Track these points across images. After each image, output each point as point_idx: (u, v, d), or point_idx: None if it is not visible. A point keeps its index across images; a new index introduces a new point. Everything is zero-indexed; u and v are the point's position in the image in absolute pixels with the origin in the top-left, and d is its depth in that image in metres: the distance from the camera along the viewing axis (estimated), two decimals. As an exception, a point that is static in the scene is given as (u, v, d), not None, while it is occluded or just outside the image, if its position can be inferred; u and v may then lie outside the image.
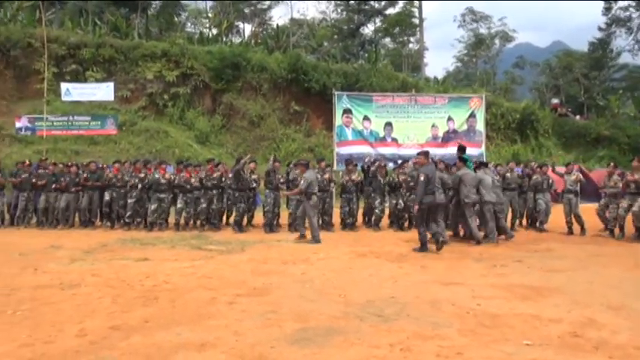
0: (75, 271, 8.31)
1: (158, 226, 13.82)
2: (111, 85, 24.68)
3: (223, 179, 14.18)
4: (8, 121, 24.51)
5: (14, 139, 24.05)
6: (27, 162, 15.26)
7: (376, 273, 8.21)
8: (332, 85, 27.16)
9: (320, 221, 13.97)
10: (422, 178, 10.38)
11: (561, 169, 14.53)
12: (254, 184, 14.22)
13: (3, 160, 18.40)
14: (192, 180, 13.93)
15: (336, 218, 14.30)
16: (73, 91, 24.04)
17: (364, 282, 7.54)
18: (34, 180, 14.47)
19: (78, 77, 26.94)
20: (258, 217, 14.76)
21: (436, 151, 19.26)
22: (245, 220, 14.15)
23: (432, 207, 10.58)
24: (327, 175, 14.14)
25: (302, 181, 11.97)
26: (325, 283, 7.46)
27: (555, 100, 41.27)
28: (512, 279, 7.81)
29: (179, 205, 13.90)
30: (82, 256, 9.71)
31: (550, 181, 14.31)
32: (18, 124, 23.44)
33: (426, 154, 11.09)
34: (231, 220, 14.57)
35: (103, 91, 24.44)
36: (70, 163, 15.48)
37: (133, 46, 29.04)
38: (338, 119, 19.84)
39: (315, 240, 11.55)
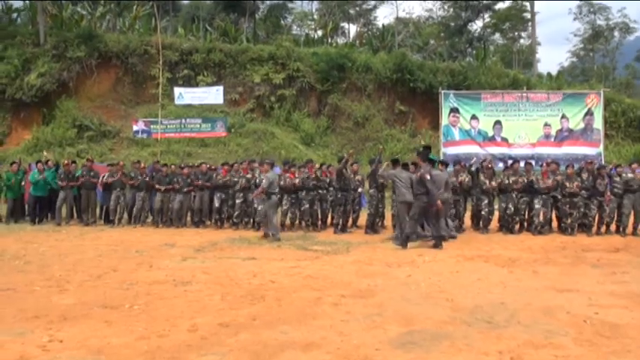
0: (187, 268, 8.69)
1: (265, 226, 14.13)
2: (220, 88, 25.64)
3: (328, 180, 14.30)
4: (126, 124, 26.08)
5: (131, 142, 25.54)
6: (142, 164, 16.03)
7: (485, 277, 8.00)
8: (438, 84, 26.71)
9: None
10: (428, 177, 11.05)
11: None
12: (357, 185, 14.20)
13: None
14: (296, 181, 14.12)
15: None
16: (185, 95, 25.20)
17: (472, 286, 7.37)
18: (152, 182, 15.21)
19: (190, 82, 28.13)
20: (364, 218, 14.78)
21: (549, 151, 18.52)
22: (350, 221, 14.23)
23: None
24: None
25: (264, 180, 12.23)
26: (431, 286, 7.35)
27: (683, 96, 38.36)
28: (634, 287, 7.35)
29: (284, 206, 14.13)
30: (193, 254, 10.12)
31: None
32: (135, 128, 24.84)
33: (424, 154, 11.68)
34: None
35: (213, 95, 25.45)
36: (182, 165, 16.17)
37: (241, 50, 29.94)
38: (444, 119, 19.56)
39: (275, 238, 11.79)
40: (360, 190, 14.33)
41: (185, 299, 6.58)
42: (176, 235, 12.87)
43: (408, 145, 27.10)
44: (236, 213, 14.38)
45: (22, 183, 15.88)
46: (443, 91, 20.19)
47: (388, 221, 14.20)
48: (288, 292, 6.92)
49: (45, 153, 20.80)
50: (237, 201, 14.35)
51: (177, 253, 10.26)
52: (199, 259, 9.52)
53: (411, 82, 28.40)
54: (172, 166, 15.84)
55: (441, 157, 19.10)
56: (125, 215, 15.55)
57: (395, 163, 12.80)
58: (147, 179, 15.16)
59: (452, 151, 19.12)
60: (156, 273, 8.26)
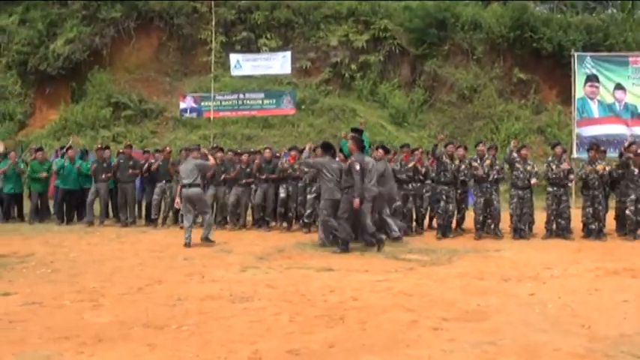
0: (247, 280, 8.82)
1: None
2: (287, 54, 25.57)
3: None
4: (172, 101, 26.57)
5: (178, 123, 26.05)
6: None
7: (634, 298, 7.75)
8: (570, 44, 25.94)
9: (554, 225, 13.50)
10: (357, 167, 11.38)
11: None
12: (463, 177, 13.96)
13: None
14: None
15: (577, 222, 13.70)
16: (243, 64, 25.26)
17: (616, 310, 7.15)
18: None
19: (249, 47, 28.31)
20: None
21: None
22: (455, 222, 14.07)
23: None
24: (564, 165, 13.57)
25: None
26: (561, 308, 7.19)
27: None
28: None
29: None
30: (254, 262, 10.28)
31: None
32: (182, 105, 24.88)
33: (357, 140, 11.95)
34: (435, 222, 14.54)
35: (278, 63, 25.40)
36: (240, 150, 16.35)
37: (313, 6, 29.91)
38: (579, 89, 18.98)
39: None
40: (469, 182, 14.14)
41: (245, 319, 6.68)
42: (233, 239, 13.08)
43: (529, 124, 26.49)
44: (308, 212, 14.32)
45: (45, 174, 16.36)
46: (576, 54, 19.54)
47: (505, 223, 13.95)
48: (375, 313, 6.91)
49: (72, 139, 21.40)
50: (309, 197, 14.29)
51: (234, 261, 10.45)
52: (262, 270, 9.65)
53: (534, 43, 27.71)
54: (229, 152, 16.00)
55: (574, 140, 18.59)
56: (171, 214, 15.89)
57: (326, 149, 12.55)
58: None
59: (589, 131, 18.48)
60: (209, 286, 8.43)
